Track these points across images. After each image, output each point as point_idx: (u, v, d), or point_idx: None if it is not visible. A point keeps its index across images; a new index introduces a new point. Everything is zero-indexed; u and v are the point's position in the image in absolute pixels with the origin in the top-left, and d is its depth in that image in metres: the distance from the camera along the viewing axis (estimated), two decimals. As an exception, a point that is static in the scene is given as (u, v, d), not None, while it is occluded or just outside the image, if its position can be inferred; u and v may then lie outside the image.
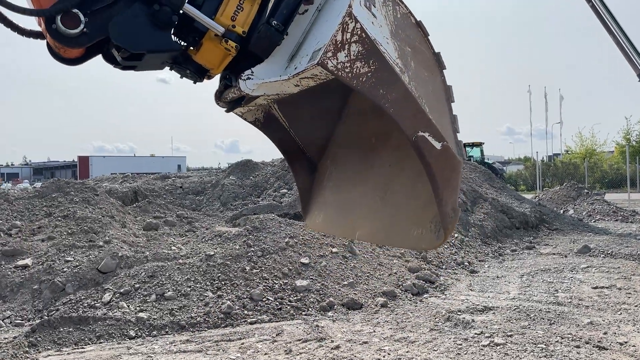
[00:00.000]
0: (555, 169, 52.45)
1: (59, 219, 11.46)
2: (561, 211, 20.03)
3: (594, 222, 18.69)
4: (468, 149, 38.27)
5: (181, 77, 3.74)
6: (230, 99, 3.89)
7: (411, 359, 5.99)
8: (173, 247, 11.03)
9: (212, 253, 10.10)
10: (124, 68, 3.40)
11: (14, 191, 12.94)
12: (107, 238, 10.48)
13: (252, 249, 10.52)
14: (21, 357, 6.55)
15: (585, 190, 23.86)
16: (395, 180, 4.27)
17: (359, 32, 3.00)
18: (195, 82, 3.86)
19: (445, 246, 12.69)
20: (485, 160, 37.77)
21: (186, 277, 9.00)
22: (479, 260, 12.39)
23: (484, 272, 11.24)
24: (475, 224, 14.62)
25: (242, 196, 16.18)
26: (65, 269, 9.13)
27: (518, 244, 14.47)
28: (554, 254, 13.06)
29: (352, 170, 4.87)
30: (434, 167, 3.23)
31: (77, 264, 9.28)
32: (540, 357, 5.91)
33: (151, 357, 6.53)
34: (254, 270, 9.54)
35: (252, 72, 3.34)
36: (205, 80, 3.84)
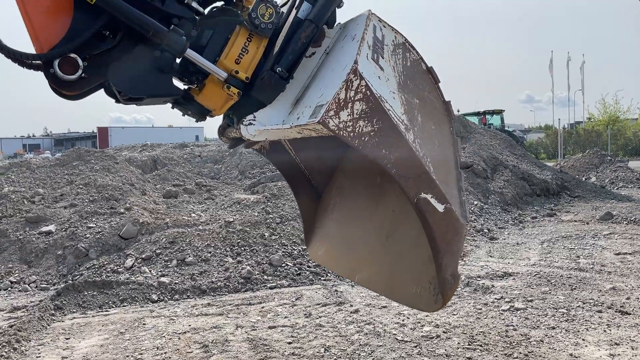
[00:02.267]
0: (577, 136, 51.41)
1: (80, 186, 11.61)
2: (583, 179, 19.69)
3: (617, 189, 18.36)
4: (488, 116, 37.63)
5: (183, 115, 3.65)
6: (232, 137, 3.76)
7: (431, 323, 6.00)
8: (193, 214, 11.13)
9: (232, 220, 10.16)
10: (126, 103, 3.30)
11: (35, 160, 13.10)
12: (127, 205, 10.60)
13: (271, 215, 10.56)
14: (47, 320, 6.71)
15: (608, 158, 23.37)
16: (399, 227, 4.13)
17: (363, 90, 2.83)
18: (197, 121, 3.78)
19: (465, 213, 12.59)
20: (506, 128, 37.16)
21: (206, 243, 9.09)
22: (499, 228, 12.29)
23: (504, 239, 11.16)
24: (495, 192, 14.46)
25: (260, 164, 16.18)
26: (88, 235, 9.28)
27: (539, 211, 14.30)
28: (575, 221, 12.89)
29: (357, 205, 4.74)
30: (436, 231, 3.08)
31: (100, 230, 9.42)
32: (561, 322, 5.87)
33: (173, 319, 6.65)
34: (273, 237, 9.59)
35: (254, 117, 3.20)
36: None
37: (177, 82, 3.38)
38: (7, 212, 10.22)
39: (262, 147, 4.57)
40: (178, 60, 3.20)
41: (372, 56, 2.98)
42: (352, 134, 2.76)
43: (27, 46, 2.97)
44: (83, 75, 2.91)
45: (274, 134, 3.28)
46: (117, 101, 3.24)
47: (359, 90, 2.80)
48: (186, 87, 3.43)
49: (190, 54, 3.11)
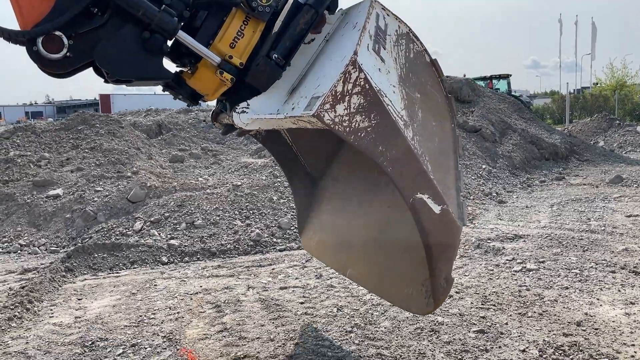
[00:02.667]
0: (584, 101, 50.81)
1: (86, 150, 11.54)
2: (591, 143, 19.51)
3: (626, 153, 18.20)
4: (495, 81, 37.13)
5: (174, 99, 3.47)
6: (225, 123, 3.54)
7: (443, 283, 5.97)
8: (200, 178, 11.07)
9: (239, 183, 10.11)
10: (115, 83, 3.12)
11: (40, 124, 13.00)
12: (134, 169, 10.54)
13: (279, 179, 10.50)
14: (58, 281, 6.72)
15: (617, 122, 23.13)
16: (393, 224, 3.99)
17: (362, 83, 2.64)
18: (189, 106, 3.59)
19: (473, 177, 12.53)
20: (512, 93, 36.71)
21: (214, 207, 9.05)
22: (507, 191, 12.22)
23: (513, 203, 11.09)
24: (504, 155, 14.33)
25: (266, 129, 16.06)
26: (95, 199, 9.25)
27: (547, 175, 14.20)
28: (584, 184, 12.79)
29: (352, 197, 4.61)
30: (430, 233, 2.93)
31: (107, 193, 9.39)
32: (574, 282, 5.84)
33: (184, 281, 6.65)
34: (281, 200, 9.55)
35: (248, 105, 3.02)
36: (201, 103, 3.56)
37: (168, 64, 3.20)
38: (14, 176, 10.19)
39: (258, 132, 4.38)
40: (170, 42, 3.03)
41: (374, 47, 2.79)
42: (347, 129, 2.60)
43: (13, 22, 2.80)
44: (68, 54, 2.71)
45: (267, 123, 3.11)
46: (106, 81, 3.06)
47: (357, 83, 2.62)
48: (178, 69, 3.25)
49: (182, 36, 2.90)
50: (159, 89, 3.45)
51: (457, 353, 4.26)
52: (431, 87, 3.25)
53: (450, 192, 3.15)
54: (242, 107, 3.00)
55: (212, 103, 3.67)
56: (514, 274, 6.22)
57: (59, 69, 2.80)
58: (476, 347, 4.34)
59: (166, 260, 7.59)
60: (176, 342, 4.78)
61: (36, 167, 10.68)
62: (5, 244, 8.44)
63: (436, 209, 2.86)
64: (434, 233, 2.89)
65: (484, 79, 36.46)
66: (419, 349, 4.35)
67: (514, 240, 7.87)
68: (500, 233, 8.25)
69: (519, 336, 4.52)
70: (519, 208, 10.44)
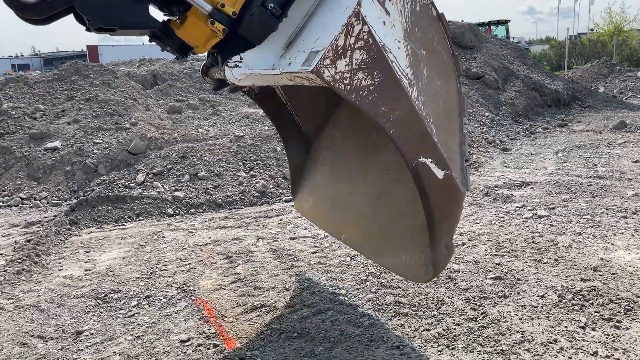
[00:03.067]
0: (582, 47, 50.02)
1: (82, 102, 11.24)
2: (591, 89, 19.27)
3: (626, 99, 18.01)
4: (493, 27, 36.35)
5: (162, 50, 3.19)
6: (217, 78, 3.27)
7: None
8: (200, 129, 10.86)
9: (241, 134, 9.92)
10: (98, 32, 2.84)
11: (32, 75, 12.61)
12: (132, 120, 10.30)
13: (281, 129, 10.30)
14: (64, 234, 6.64)
15: (618, 67, 22.79)
16: (392, 188, 3.81)
17: (365, 37, 2.42)
18: (178, 58, 3.32)
19: (476, 125, 12.38)
20: (511, 39, 36.00)
21: (217, 158, 8.90)
22: (511, 139, 12.10)
23: (517, 150, 10.99)
24: (507, 102, 14.12)
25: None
26: (95, 151, 9.06)
27: (550, 122, 14.05)
28: (587, 130, 12.68)
29: (349, 160, 4.40)
30: (432, 199, 2.76)
31: (107, 145, 9.19)
32: (587, 228, 5.81)
33: (192, 232, 6.58)
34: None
35: (241, 58, 2.79)
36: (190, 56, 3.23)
37: (156, 12, 2.95)
38: (9, 129, 9.94)
39: (251, 89, 4.15)
40: None
41: None
42: (348, 87, 2.41)
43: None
44: None
45: (262, 79, 2.90)
46: (88, 29, 2.82)
47: (360, 37, 2.41)
48: (166, 18, 3.02)
49: None
50: (146, 38, 3.20)
51: (475, 300, 4.24)
52: (437, 44, 3.03)
53: (454, 156, 2.97)
54: (235, 61, 2.80)
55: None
56: (525, 221, 6.18)
57: (37, 14, 2.56)
58: (494, 294, 4.32)
59: (172, 212, 7.50)
60: (190, 293, 4.74)
61: (31, 120, 10.41)
62: (6, 198, 8.31)
63: (439, 173, 2.73)
64: (436, 198, 2.75)
65: (482, 25, 35.64)
66: (437, 297, 4.33)
67: (521, 187, 7.82)
68: (508, 180, 8.19)
69: (537, 282, 4.51)
70: (524, 155, 10.36)
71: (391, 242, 3.56)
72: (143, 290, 4.85)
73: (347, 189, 4.25)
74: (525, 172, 8.80)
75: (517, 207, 6.74)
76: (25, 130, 9.95)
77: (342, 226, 4.18)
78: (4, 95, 11.30)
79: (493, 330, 3.75)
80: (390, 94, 2.52)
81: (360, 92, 2.44)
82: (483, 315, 3.99)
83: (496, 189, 7.72)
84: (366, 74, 2.45)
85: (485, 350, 3.51)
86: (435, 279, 4.67)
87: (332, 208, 4.43)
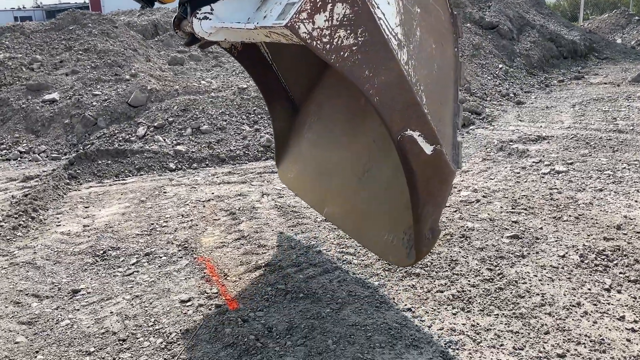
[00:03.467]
0: (598, -2, 48.27)
1: (80, 52, 10.84)
2: (609, 40, 18.53)
3: (645, 51, 17.32)
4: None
5: None
6: (188, 32, 2.93)
7: (468, 187, 5.67)
8: (202, 81, 10.48)
9: (245, 86, 9.55)
10: None
11: (29, 24, 12.15)
12: (132, 72, 9.93)
13: (286, 81, 9.92)
14: (63, 189, 6.43)
15: (636, 18, 21.87)
16: (378, 161, 3.44)
17: None
18: (143, 8, 2.93)
19: (489, 78, 11.90)
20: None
21: (220, 111, 8.58)
22: (525, 92, 11.65)
23: (531, 103, 10.58)
24: (521, 54, 13.56)
25: (268, 28, 15.12)
26: (94, 103, 8.75)
27: (565, 74, 13.52)
28: (605, 83, 12.18)
29: (335, 127, 4.03)
30: (418, 176, 2.41)
31: (106, 97, 8.87)
32: (608, 184, 5.52)
33: (195, 188, 6.35)
34: (290, 103, 9.05)
35: (212, 10, 2.47)
36: (157, 5, 2.88)
37: None
38: (6, 80, 9.61)
39: (233, 46, 3.80)
40: None
41: None
42: (327, 46, 2.08)
43: None
44: None
45: (235, 34, 2.60)
46: None
47: None
48: None
49: None
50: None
51: (491, 259, 4.01)
52: (434, 2, 2.66)
53: (446, 130, 2.64)
54: (204, 12, 2.52)
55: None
56: (542, 177, 5.89)
57: None
58: (511, 253, 4.08)
59: (174, 167, 7.25)
60: (192, 251, 4.54)
61: (29, 70, 10.06)
62: (4, 151, 8.08)
63: (427, 148, 2.40)
64: (423, 176, 2.42)
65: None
66: (451, 256, 4.10)
67: (537, 141, 7.48)
68: (523, 135, 7.85)
69: (556, 241, 4.26)
70: (539, 109, 9.95)
71: (374, 221, 3.24)
72: (143, 248, 4.65)
73: (332, 160, 3.92)
74: (541, 126, 8.44)
75: (533, 162, 6.44)
76: (23, 82, 9.62)
77: (325, 200, 3.85)
78: (0, 46, 10.91)
79: (511, 293, 3.53)
80: (376, 56, 2.18)
81: (341, 53, 2.11)
82: (500, 276, 3.76)
83: (510, 143, 7.40)
84: (349, 31, 2.10)
85: (503, 314, 3.30)
86: (450, 237, 4.43)
87: (315, 179, 4.11)
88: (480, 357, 2.92)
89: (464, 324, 3.23)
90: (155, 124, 8.25)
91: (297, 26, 2.00)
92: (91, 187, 6.60)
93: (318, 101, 4.23)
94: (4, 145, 8.23)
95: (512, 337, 3.08)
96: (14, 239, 4.94)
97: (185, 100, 8.79)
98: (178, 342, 3.25)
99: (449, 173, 2.58)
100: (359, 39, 2.13)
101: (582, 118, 8.81)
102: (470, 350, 2.99)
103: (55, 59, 10.65)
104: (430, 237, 2.65)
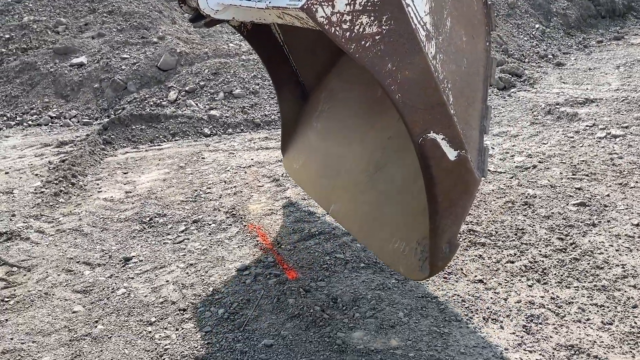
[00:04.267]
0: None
1: (105, 15, 10.57)
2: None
3: (686, 10, 16.52)
4: None
5: None
6: (194, 7, 2.69)
7: (521, 152, 5.42)
8: (230, 44, 10.18)
9: (275, 48, 9.24)
10: None
11: (51, -14, 11.85)
12: (160, 34, 9.66)
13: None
14: (99, 154, 6.31)
15: (675, -25, 20.85)
16: (392, 160, 3.13)
17: None
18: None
19: (526, 39, 11.43)
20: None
21: (252, 74, 8.33)
22: (563, 53, 11.17)
23: (572, 65, 10.14)
24: (558, 13, 12.98)
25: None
26: (123, 67, 8.55)
27: (604, 34, 12.94)
28: (647, 44, 11.64)
29: (348, 118, 3.71)
30: (439, 184, 2.14)
31: (135, 61, 8.66)
32: (670, 149, 5.23)
33: (233, 153, 6.19)
34: (323, 65, 8.76)
35: None
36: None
37: None
38: (32, 44, 9.42)
39: (243, 24, 3.55)
40: None
41: None
42: (347, 34, 1.83)
43: None
44: None
45: (244, 13, 2.38)
46: None
47: None
48: None
49: None
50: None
51: (560, 228, 3.80)
52: None
53: (472, 133, 2.37)
54: None
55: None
56: (599, 141, 5.61)
57: None
58: (581, 222, 3.87)
59: (208, 132, 7.08)
60: (241, 218, 4.40)
61: (54, 34, 9.84)
62: (35, 116, 7.96)
63: (451, 154, 2.15)
64: (444, 185, 2.18)
65: None
66: (516, 225, 3.90)
67: (585, 104, 7.15)
68: (569, 97, 7.50)
69: (627, 209, 4.03)
70: (581, 70, 9.53)
71: (384, 225, 2.98)
72: (190, 215, 4.52)
73: (341, 154, 3.63)
74: (587, 89, 8.07)
75: (586, 126, 6.14)
76: (49, 45, 9.42)
77: (332, 196, 3.57)
78: (24, 8, 10.68)
79: (588, 264, 3.34)
80: (401, 48, 1.94)
81: (363, 42, 1.87)
82: (573, 246, 3.56)
83: (557, 106, 7.08)
84: (372, 18, 1.86)
85: (583, 286, 3.12)
86: (511, 205, 4.22)
87: (322, 173, 3.82)
88: (566, 332, 2.75)
89: (542, 297, 3.06)
90: (187, 88, 8.04)
91: (314, 9, 1.77)
92: (127, 152, 6.47)
93: (330, 88, 3.95)
94: (34, 111, 8.11)
95: (597, 311, 2.90)
96: (57, 205, 4.84)
97: (216, 63, 8.55)
98: (241, 313, 3.14)
99: (473, 182, 2.31)
100: (384, 27, 1.88)
101: (630, 80, 8.40)
102: (554, 324, 2.82)
103: (79, 21, 10.40)
104: (448, 252, 2.38)
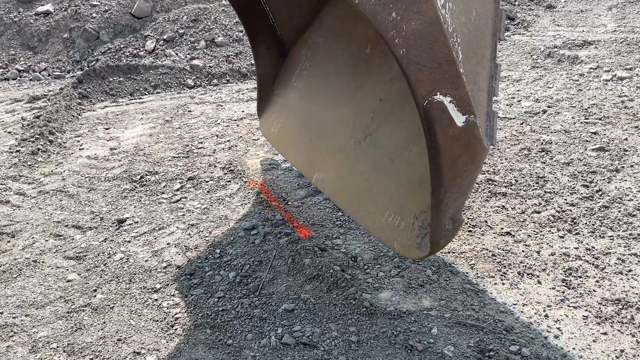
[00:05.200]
0: None
1: (69, -42, 9.76)
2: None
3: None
4: None
5: None
6: None
7: (528, 97, 5.18)
8: (207, -11, 9.56)
9: (257, -8, 8.70)
10: None
11: None
12: (131, -21, 8.98)
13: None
14: (76, 109, 5.86)
15: None
16: (384, 124, 2.76)
17: None
18: None
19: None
20: None
21: (235, 21, 7.82)
22: (552, -5, 10.84)
23: (563, 7, 9.83)
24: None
25: None
26: (94, 15, 7.93)
27: (592, -24, 12.62)
28: (637, -15, 11.36)
29: (332, 76, 3.30)
30: (444, 153, 1.83)
31: (106, 8, 8.03)
32: (680, 91, 5.06)
33: (221, 105, 5.81)
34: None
35: None
36: None
37: None
38: (-9, -9, 8.65)
39: None
40: None
41: None
42: None
43: None
44: None
45: None
46: None
47: None
48: None
49: None
50: None
51: (583, 175, 3.61)
52: None
53: (481, 95, 2.08)
54: None
55: None
56: (605, 84, 5.40)
57: None
58: (603, 167, 3.68)
59: (192, 84, 6.64)
60: (239, 174, 4.10)
61: (14, -20, 9.06)
62: (1, 70, 7.37)
63: (459, 119, 1.85)
64: (449, 153, 1.88)
65: None
66: (535, 173, 3.70)
67: (584, 47, 6.91)
68: (566, 40, 7.24)
69: (648, 153, 3.86)
70: (573, 12, 9.25)
71: (376, 197, 2.69)
72: (183, 172, 4.20)
73: (325, 116, 3.29)
74: (582, 31, 7.81)
75: (590, 68, 5.92)
76: (10, -7, 8.67)
77: (315, 163, 3.24)
78: (-22, -48, 9.77)
79: (619, 211, 3.16)
80: None
81: None
82: (599, 193, 3.38)
83: (556, 49, 6.82)
84: None
85: (618, 235, 2.95)
86: (528, 152, 4.01)
87: (304, 138, 3.46)
88: (610, 285, 2.58)
89: (576, 248, 2.88)
90: (165, 37, 7.52)
91: None
92: (106, 106, 6.02)
93: (312, 44, 3.59)
94: (0, 64, 7.51)
95: (638, 261, 2.73)
96: (36, 165, 4.45)
97: (195, 9, 7.99)
98: (254, 275, 2.89)
99: (481, 150, 2.02)
100: None
101: (625, 21, 8.17)
102: (595, 277, 2.65)
103: (42, -34, 9.59)
104: (451, 228, 2.10)
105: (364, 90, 3.07)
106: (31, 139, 4.84)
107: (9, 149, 4.70)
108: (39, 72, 7.30)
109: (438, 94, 1.78)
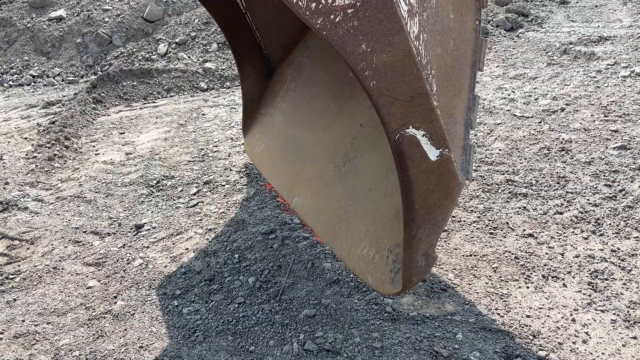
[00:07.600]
0: None
1: (80, -36, 9.82)
2: None
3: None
4: None
5: None
6: None
7: (545, 95, 5.12)
8: (218, -9, 9.57)
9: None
10: None
11: None
12: (142, -17, 9.01)
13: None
14: (91, 114, 5.88)
15: None
16: (364, 151, 2.68)
17: None
18: None
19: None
20: None
21: (246, 22, 7.81)
22: (565, -9, 10.71)
23: (577, 3, 9.71)
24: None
25: None
26: (106, 19, 7.97)
27: (605, -30, 12.47)
28: (651, -21, 11.20)
29: (315, 101, 3.23)
30: (417, 189, 1.76)
31: (118, 12, 8.06)
32: (701, 86, 4.96)
33: (234, 108, 5.80)
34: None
35: None
36: None
37: None
38: (5, -2, 8.74)
39: None
40: None
41: None
42: (313, 5, 1.47)
43: None
44: None
45: None
46: None
47: None
48: None
49: None
50: None
51: (605, 174, 3.55)
52: None
53: (457, 128, 2.02)
54: None
55: None
56: (624, 80, 5.31)
57: None
58: (626, 167, 3.62)
59: (205, 87, 6.65)
60: (255, 177, 4.08)
61: (27, -14, 9.13)
62: (15, 76, 7.43)
63: (432, 153, 1.78)
64: (422, 189, 1.81)
65: None
66: (556, 172, 3.64)
67: (600, 43, 6.81)
68: (582, 36, 7.15)
69: (671, 151, 3.79)
70: (587, 8, 9.13)
71: (352, 226, 2.60)
72: (199, 176, 4.19)
73: (307, 140, 3.22)
74: (598, 27, 7.70)
75: (607, 64, 5.83)
76: (23, -1, 8.75)
77: (295, 187, 3.15)
78: (-9, -41, 9.87)
79: (644, 211, 3.10)
80: (378, 25, 1.57)
81: (332, 17, 1.50)
82: (623, 193, 3.32)
83: (572, 45, 6.73)
84: None
85: (644, 236, 2.89)
86: (547, 152, 3.95)
87: (286, 160, 3.38)
88: (637, 287, 2.53)
89: (601, 250, 2.83)
90: (177, 40, 7.54)
91: None
92: (120, 111, 6.04)
93: (297, 65, 3.54)
94: (14, 70, 7.57)
95: (666, 263, 2.68)
96: (53, 171, 4.47)
97: (206, 12, 7.99)
98: (273, 281, 2.87)
99: (455, 186, 1.94)
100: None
101: (641, 16, 8.06)
102: (622, 279, 2.59)
103: (54, -29, 9.66)
104: (424, 265, 2.04)
105: (345, 115, 3.00)
106: (47, 145, 4.87)
107: (26, 155, 4.73)
108: (53, 78, 7.35)
109: (411, 127, 1.72)
